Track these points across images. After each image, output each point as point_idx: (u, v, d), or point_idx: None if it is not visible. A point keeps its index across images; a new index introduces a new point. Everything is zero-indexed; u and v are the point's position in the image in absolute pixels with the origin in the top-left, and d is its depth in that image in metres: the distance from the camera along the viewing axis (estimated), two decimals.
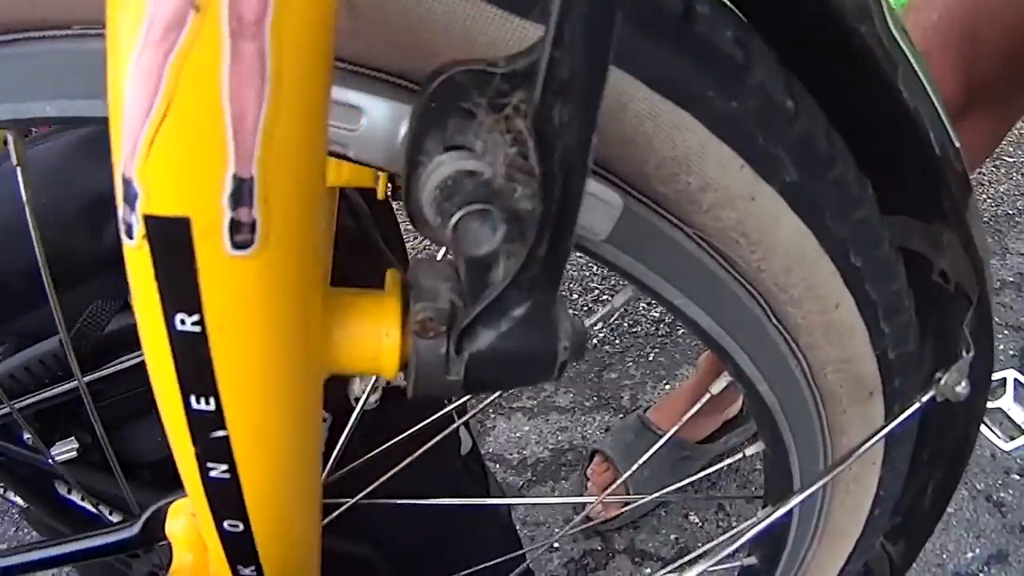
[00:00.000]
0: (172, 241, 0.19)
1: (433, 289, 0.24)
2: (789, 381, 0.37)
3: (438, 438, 0.50)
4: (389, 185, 0.36)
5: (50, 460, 0.53)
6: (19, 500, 0.60)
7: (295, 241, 0.20)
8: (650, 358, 1.58)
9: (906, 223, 0.37)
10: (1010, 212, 1.92)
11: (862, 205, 0.32)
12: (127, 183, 0.19)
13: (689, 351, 1.55)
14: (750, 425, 1.31)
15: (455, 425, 0.63)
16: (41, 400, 0.47)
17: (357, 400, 0.53)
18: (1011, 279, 1.71)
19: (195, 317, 0.20)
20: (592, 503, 1.04)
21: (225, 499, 0.25)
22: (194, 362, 0.21)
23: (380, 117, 0.25)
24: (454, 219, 0.21)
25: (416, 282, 0.25)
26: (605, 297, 1.74)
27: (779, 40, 0.29)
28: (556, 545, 1.22)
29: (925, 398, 0.37)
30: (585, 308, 1.69)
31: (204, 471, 0.24)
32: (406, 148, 0.23)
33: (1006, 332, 1.55)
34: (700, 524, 1.25)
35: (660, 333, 1.61)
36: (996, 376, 1.11)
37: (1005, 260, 1.76)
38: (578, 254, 0.30)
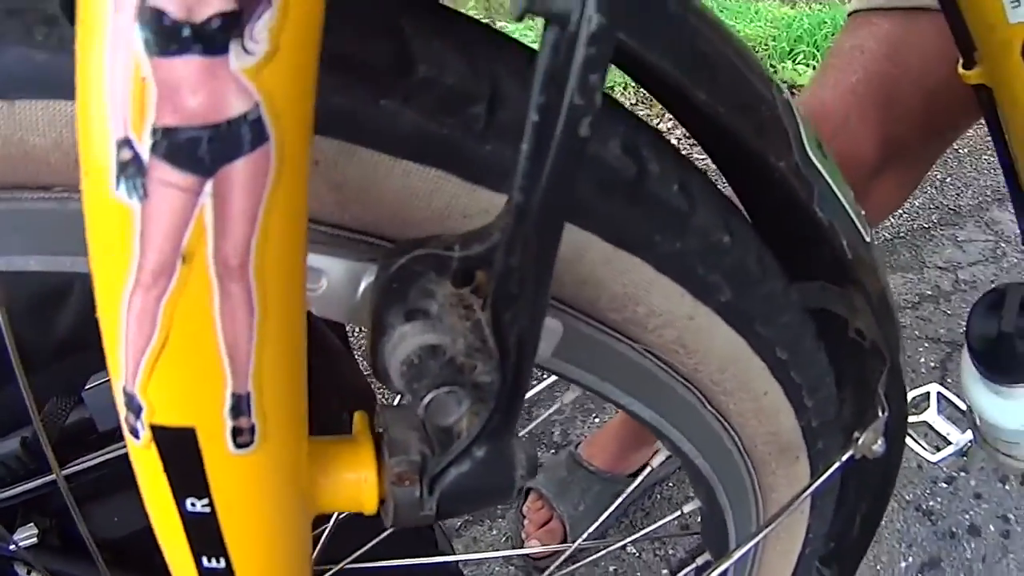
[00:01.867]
0: (179, 445, 0.21)
1: (404, 441, 0.27)
2: (723, 454, 0.41)
3: None
4: None
5: (11, 547, 0.53)
6: None
7: (288, 433, 0.22)
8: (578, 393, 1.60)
9: (823, 287, 0.41)
10: (925, 226, 1.99)
11: (788, 310, 0.36)
12: (130, 397, 0.21)
13: None
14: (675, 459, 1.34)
15: None
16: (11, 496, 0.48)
17: None
18: (929, 292, 1.76)
19: (204, 500, 0.22)
20: (536, 552, 1.04)
21: None
22: (205, 534, 0.23)
23: (340, 277, 0.27)
24: (426, 398, 0.23)
25: (388, 434, 0.27)
26: None
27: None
28: None
29: (845, 458, 0.41)
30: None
31: None
32: (371, 316, 0.26)
33: (926, 345, 1.60)
34: (638, 554, 1.26)
35: None
36: (919, 391, 1.15)
37: (922, 274, 1.82)
38: None
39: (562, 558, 0.76)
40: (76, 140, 0.24)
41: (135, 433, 0.22)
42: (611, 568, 1.25)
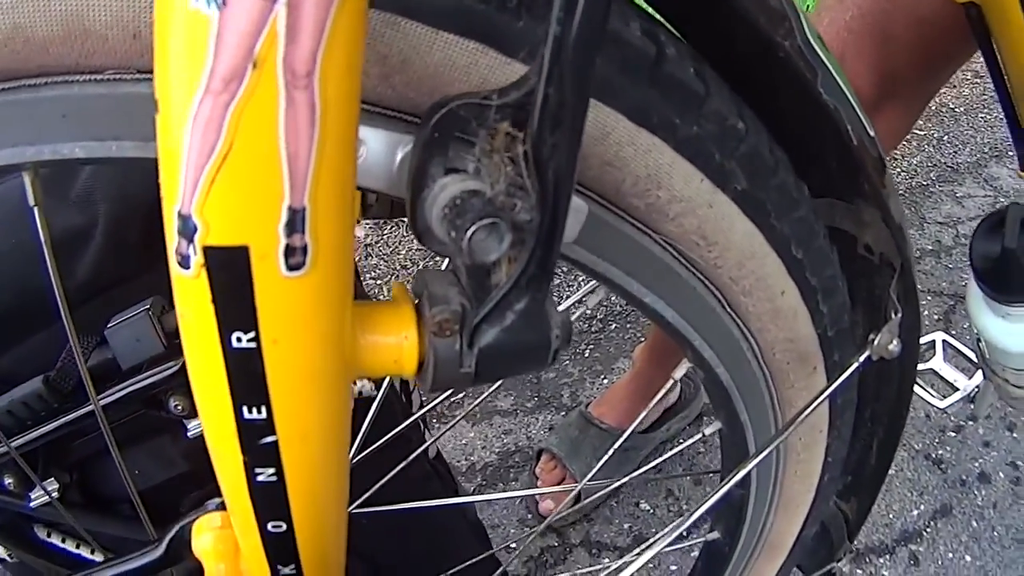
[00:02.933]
0: (231, 268, 0.22)
1: (444, 295, 0.27)
2: (743, 363, 0.42)
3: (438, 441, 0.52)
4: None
5: (34, 501, 0.53)
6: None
7: (338, 260, 0.23)
8: (585, 355, 1.63)
9: (831, 204, 0.42)
10: (924, 183, 2.02)
11: (800, 206, 0.37)
12: (185, 219, 0.21)
13: (623, 344, 1.60)
14: (689, 411, 1.36)
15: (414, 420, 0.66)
16: (38, 436, 0.48)
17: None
18: (930, 247, 1.80)
19: (251, 334, 0.23)
20: (549, 492, 1.07)
21: (271, 501, 0.28)
22: (248, 376, 0.24)
23: (379, 147, 0.28)
24: (468, 232, 0.24)
25: (428, 290, 0.28)
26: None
27: (717, 60, 0.34)
28: (513, 545, 1.25)
29: (862, 358, 0.42)
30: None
31: (251, 476, 0.27)
32: (411, 173, 0.27)
33: (930, 298, 1.64)
34: (652, 511, 1.29)
35: (593, 330, 1.65)
36: (925, 340, 1.17)
37: (923, 229, 1.85)
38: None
39: (569, 497, 0.76)
40: (137, 13, 0.26)
41: (186, 262, 0.22)
42: (626, 526, 1.27)
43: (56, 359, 0.50)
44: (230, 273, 0.22)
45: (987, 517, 1.28)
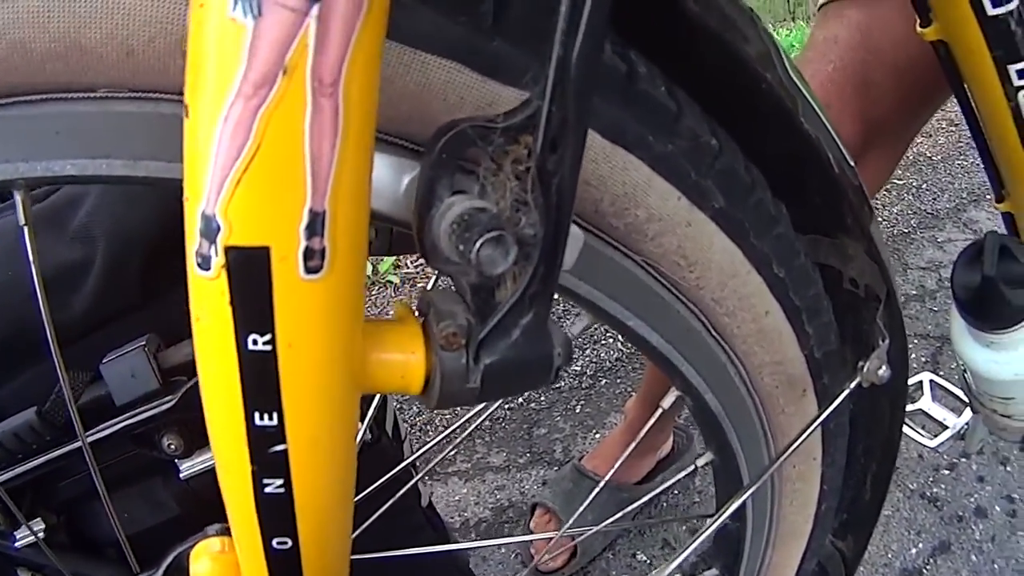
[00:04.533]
0: (251, 269, 0.23)
1: (451, 311, 0.28)
2: (731, 387, 0.43)
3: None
4: None
5: (19, 541, 0.53)
6: None
7: (353, 266, 0.24)
8: (576, 410, 1.63)
9: (815, 241, 0.43)
10: (905, 231, 2.09)
11: (779, 223, 0.39)
12: (208, 220, 0.22)
13: (614, 399, 1.61)
14: (683, 461, 1.36)
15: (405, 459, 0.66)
16: (26, 471, 0.48)
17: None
18: (914, 292, 1.84)
19: (267, 336, 0.24)
20: (542, 538, 1.06)
21: (277, 515, 0.28)
22: (262, 379, 0.25)
23: (386, 171, 0.30)
24: (476, 245, 0.25)
25: (434, 307, 0.29)
26: None
27: (699, 89, 0.36)
28: None
29: (852, 385, 0.43)
30: None
31: (259, 487, 0.27)
32: (419, 192, 0.28)
33: (916, 341, 1.67)
34: (648, 562, 1.28)
35: (584, 386, 1.66)
36: (913, 380, 1.18)
37: (906, 275, 1.90)
38: None
39: (554, 541, 0.75)
40: (132, 32, 0.27)
41: (206, 263, 0.23)
42: None
43: (52, 392, 0.50)
44: (250, 274, 0.23)
45: (986, 551, 1.29)
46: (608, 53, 0.32)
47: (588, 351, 1.76)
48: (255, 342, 0.24)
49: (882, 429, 0.52)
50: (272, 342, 0.24)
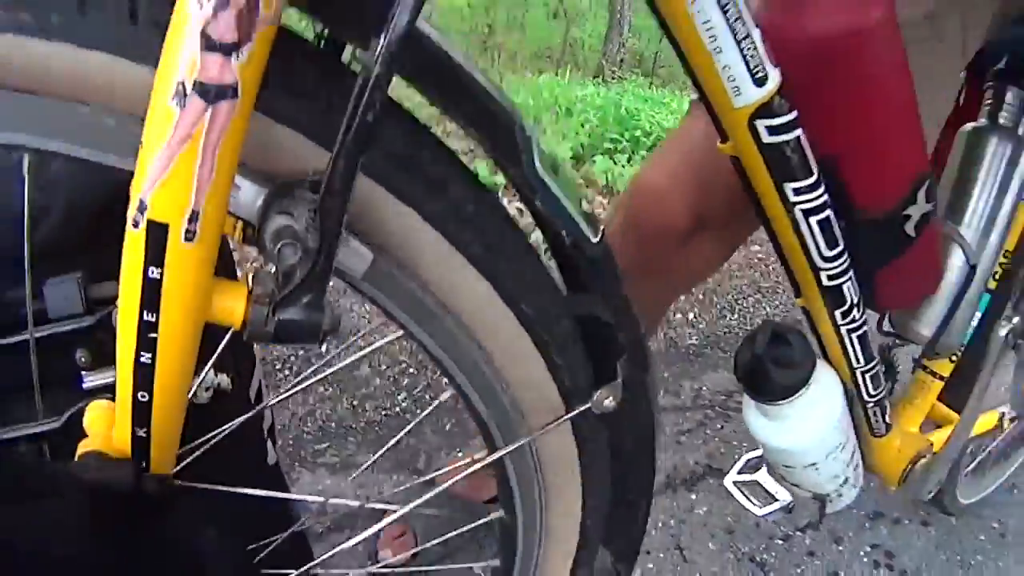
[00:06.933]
0: (158, 233, 0.44)
1: (264, 282, 0.50)
2: (496, 397, 0.64)
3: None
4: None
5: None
6: None
7: (212, 243, 0.46)
8: (447, 429, 1.84)
9: (576, 298, 0.64)
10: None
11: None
12: (142, 201, 0.44)
13: None
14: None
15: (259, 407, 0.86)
16: None
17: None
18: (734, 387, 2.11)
19: (160, 270, 0.45)
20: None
21: (144, 376, 0.49)
22: (152, 293, 0.46)
23: (248, 191, 0.52)
24: (279, 246, 0.48)
25: (258, 278, 0.51)
26: (411, 371, 2.00)
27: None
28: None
29: (583, 408, 0.64)
30: (391, 379, 1.95)
31: (137, 358, 0.48)
32: (260, 211, 0.50)
33: None
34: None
35: (458, 408, 1.86)
36: (754, 454, 1.25)
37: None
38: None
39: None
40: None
41: (136, 224, 0.45)
42: None
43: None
44: (156, 235, 0.45)
45: None
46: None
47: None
48: (153, 272, 0.46)
49: (630, 441, 0.71)
50: (161, 274, 0.46)
